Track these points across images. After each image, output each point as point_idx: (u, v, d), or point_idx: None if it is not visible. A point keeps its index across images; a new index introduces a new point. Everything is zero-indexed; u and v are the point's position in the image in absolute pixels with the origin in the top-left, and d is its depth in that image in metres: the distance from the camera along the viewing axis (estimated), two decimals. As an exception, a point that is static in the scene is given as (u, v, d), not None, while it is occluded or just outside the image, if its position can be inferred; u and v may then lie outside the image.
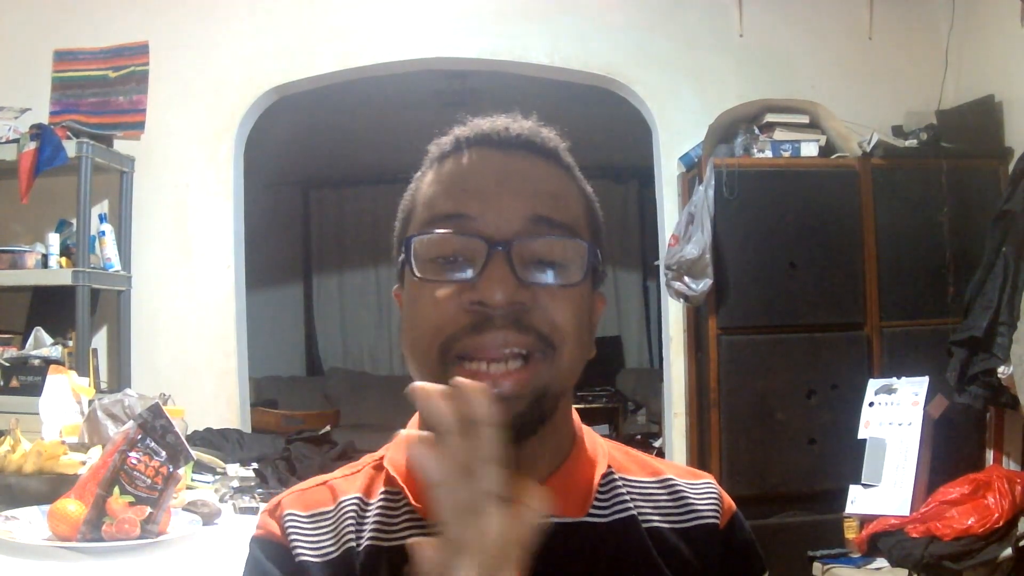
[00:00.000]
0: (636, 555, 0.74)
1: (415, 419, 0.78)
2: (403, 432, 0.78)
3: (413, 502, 0.73)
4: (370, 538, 0.74)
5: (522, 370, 0.68)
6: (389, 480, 0.77)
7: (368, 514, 0.75)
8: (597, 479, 0.77)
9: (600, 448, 0.80)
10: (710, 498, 0.81)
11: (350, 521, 0.75)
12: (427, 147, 0.79)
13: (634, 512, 0.76)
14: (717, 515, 0.80)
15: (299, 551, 0.74)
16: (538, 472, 0.74)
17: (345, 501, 0.77)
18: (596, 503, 0.76)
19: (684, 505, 0.79)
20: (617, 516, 0.76)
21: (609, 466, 0.79)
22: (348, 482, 0.79)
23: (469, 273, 0.69)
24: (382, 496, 0.76)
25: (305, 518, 0.76)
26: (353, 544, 0.74)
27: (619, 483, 0.78)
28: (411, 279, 0.72)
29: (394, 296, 0.79)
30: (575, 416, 0.80)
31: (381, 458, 0.80)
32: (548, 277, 0.70)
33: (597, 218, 0.78)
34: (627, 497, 0.77)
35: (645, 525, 0.76)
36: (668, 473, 0.82)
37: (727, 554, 0.78)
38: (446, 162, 0.75)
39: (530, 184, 0.72)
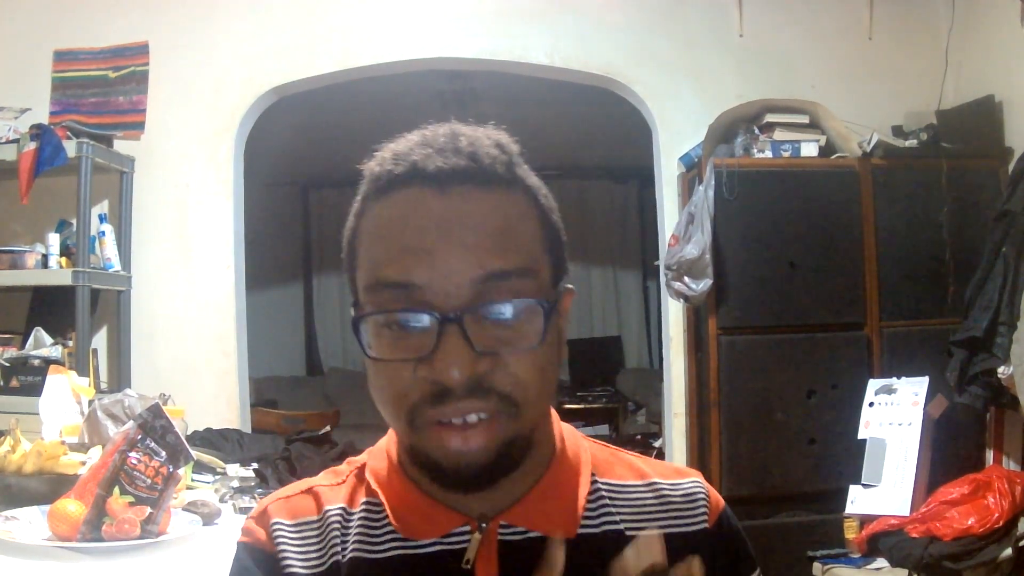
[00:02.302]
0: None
1: (390, 438, 0.78)
2: (382, 441, 0.79)
3: (392, 520, 0.74)
4: (354, 550, 0.74)
5: (486, 427, 0.67)
6: (370, 491, 0.76)
7: (351, 525, 0.75)
8: (583, 494, 0.75)
9: (583, 453, 0.79)
10: (698, 499, 0.79)
11: (335, 532, 0.75)
12: (365, 162, 0.73)
13: (620, 527, 0.75)
14: (706, 516, 0.78)
15: (286, 562, 0.74)
16: (515, 492, 0.73)
17: (330, 511, 0.76)
18: (583, 519, 0.75)
19: (672, 510, 0.78)
20: (604, 529, 0.75)
21: (593, 475, 0.78)
22: (333, 491, 0.78)
23: (423, 346, 0.65)
24: (363, 507, 0.76)
25: (291, 527, 0.75)
26: (339, 556, 0.74)
27: (604, 493, 0.77)
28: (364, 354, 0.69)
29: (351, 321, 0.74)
30: (554, 423, 0.78)
31: (363, 466, 0.79)
32: (505, 342, 0.66)
33: (552, 224, 0.72)
34: (613, 509, 0.76)
35: (630, 535, 0.73)
36: (654, 476, 0.80)
37: (718, 555, 0.77)
38: (384, 203, 0.69)
39: (476, 233, 0.66)
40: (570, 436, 0.79)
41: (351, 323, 0.68)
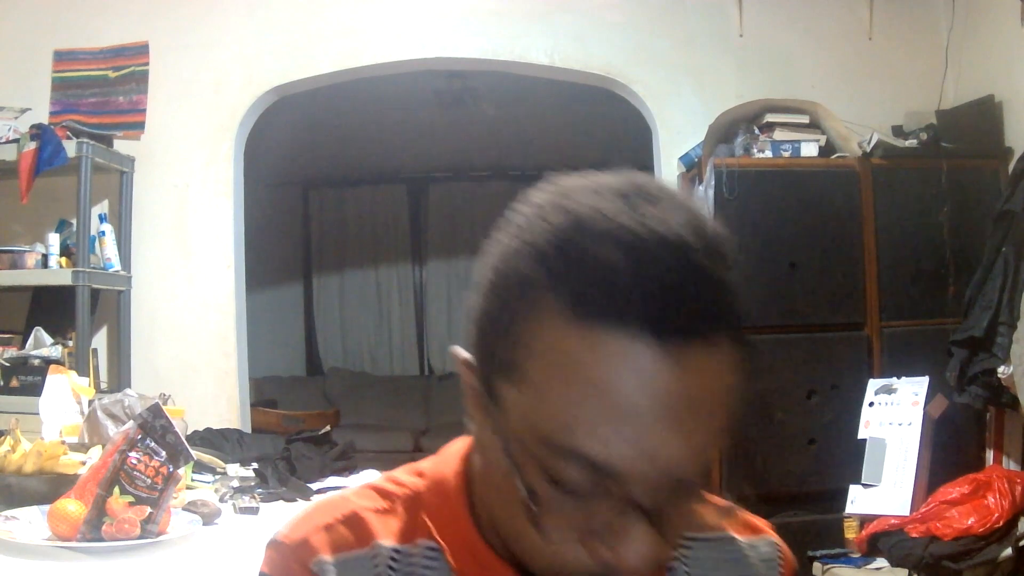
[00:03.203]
0: None
1: (463, 461, 0.67)
2: (442, 471, 0.67)
3: (455, 568, 0.63)
4: None
5: None
6: (426, 531, 0.65)
7: (406, 572, 0.64)
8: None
9: None
10: (771, 562, 0.73)
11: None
12: (540, 226, 0.55)
13: None
14: None
15: None
16: None
17: (382, 549, 0.64)
18: None
19: (743, 570, 0.71)
20: None
21: None
22: (382, 522, 0.65)
23: (604, 523, 0.53)
24: (422, 551, 0.64)
25: (335, 566, 0.63)
26: None
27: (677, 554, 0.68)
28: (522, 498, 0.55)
29: (457, 363, 0.61)
30: None
31: (415, 493, 0.67)
32: (686, 513, 0.56)
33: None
34: (684, 567, 0.69)
35: None
36: (729, 529, 0.72)
37: None
38: (584, 341, 0.51)
39: (705, 414, 0.53)
40: None
41: (525, 491, 0.54)
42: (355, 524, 0.65)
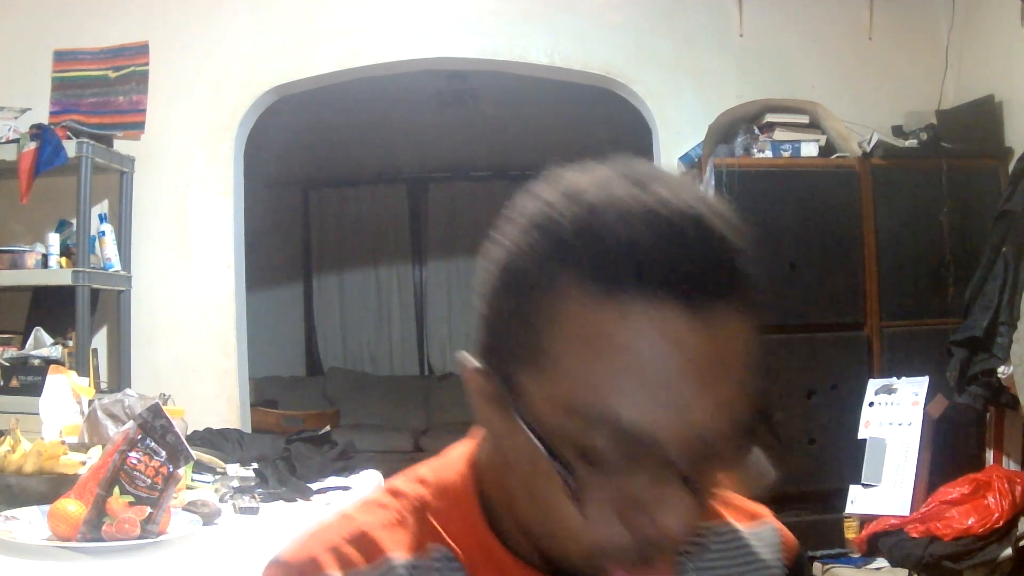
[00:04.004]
0: None
1: (470, 462, 0.66)
2: (447, 476, 0.66)
3: (472, 573, 0.61)
4: None
5: (669, 565, 0.58)
6: (437, 538, 0.63)
7: None
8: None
9: None
10: (773, 544, 0.72)
11: None
12: (551, 217, 0.55)
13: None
14: (783, 560, 0.72)
15: None
16: None
17: (395, 564, 0.62)
18: None
19: (747, 559, 0.71)
20: None
21: None
22: (390, 535, 0.63)
23: (641, 492, 0.53)
24: (435, 560, 0.62)
25: None
26: None
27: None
28: (553, 477, 0.54)
29: (463, 371, 0.60)
30: None
31: (420, 501, 0.65)
32: (719, 479, 0.57)
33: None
34: (689, 562, 0.68)
35: None
36: (727, 515, 0.72)
37: None
38: (611, 315, 0.52)
39: (737, 378, 0.54)
40: None
41: (561, 468, 0.53)
42: (362, 542, 0.62)
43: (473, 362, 0.59)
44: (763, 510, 0.75)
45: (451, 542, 0.62)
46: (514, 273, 0.56)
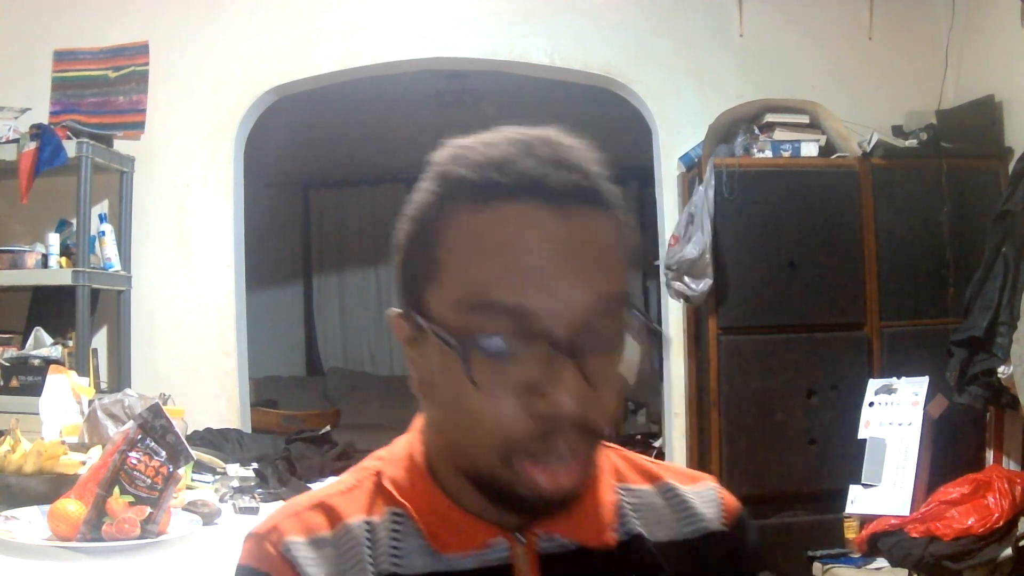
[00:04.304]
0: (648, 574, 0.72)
1: (415, 433, 0.74)
2: (398, 448, 0.75)
3: (424, 533, 0.68)
4: (387, 566, 0.68)
5: (579, 462, 0.65)
6: (392, 501, 0.71)
7: (379, 539, 0.69)
8: (611, 501, 0.73)
9: (605, 461, 0.76)
10: (712, 502, 0.78)
11: (363, 549, 0.69)
12: (440, 162, 0.67)
13: (641, 530, 0.74)
14: (722, 519, 0.77)
15: None
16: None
17: (352, 525, 0.70)
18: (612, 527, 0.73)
19: (687, 513, 0.76)
20: (627, 536, 0.73)
21: (615, 482, 0.76)
22: (347, 501, 0.72)
23: (533, 377, 0.61)
24: (389, 517, 0.70)
25: (307, 545, 0.69)
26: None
27: (624, 499, 0.75)
28: (458, 377, 0.62)
29: (391, 322, 0.69)
30: None
31: (377, 472, 0.73)
32: (610, 375, 0.64)
33: (635, 243, 0.69)
34: (633, 514, 0.74)
35: (652, 539, 0.73)
36: (668, 478, 0.78)
37: (735, 555, 0.77)
38: (488, 217, 0.62)
39: (593, 257, 0.63)
40: None
41: (460, 346, 0.61)
42: (322, 508, 0.71)
43: (395, 310, 0.68)
44: (707, 476, 0.81)
45: (404, 501, 0.70)
46: (413, 215, 0.67)
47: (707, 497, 0.78)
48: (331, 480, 0.78)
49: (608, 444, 0.78)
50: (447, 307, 0.63)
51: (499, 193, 0.62)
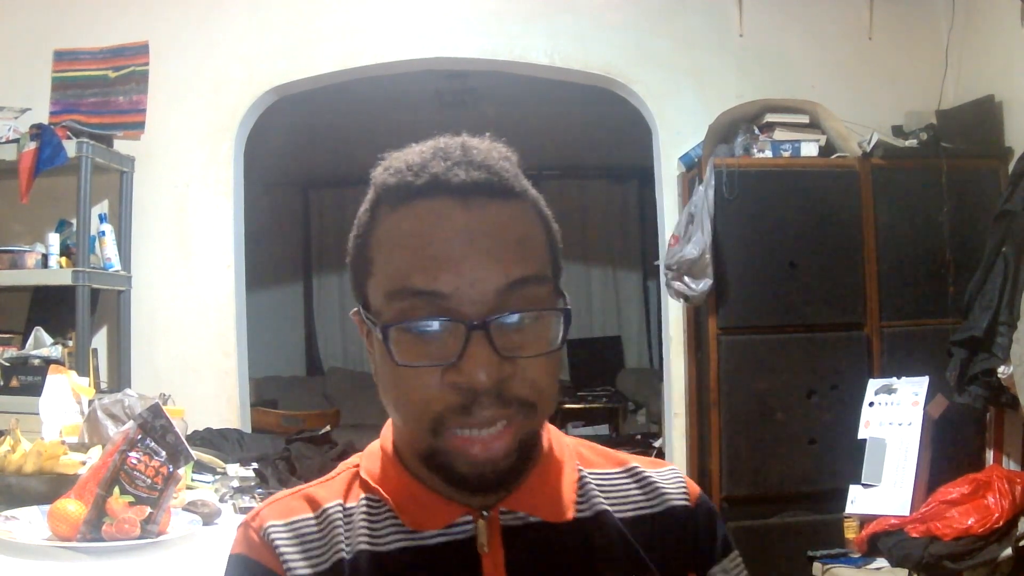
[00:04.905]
0: (616, 549, 0.77)
1: (387, 428, 0.81)
2: (373, 444, 0.82)
3: (396, 513, 0.75)
4: (360, 543, 0.75)
5: (507, 431, 0.70)
6: (367, 487, 0.78)
7: (353, 520, 0.76)
8: (572, 481, 0.79)
9: (567, 448, 0.83)
10: (676, 482, 0.84)
11: (337, 529, 0.76)
12: (374, 173, 0.76)
13: (607, 507, 0.79)
14: (686, 496, 0.83)
15: (287, 565, 0.74)
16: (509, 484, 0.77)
17: (329, 509, 0.78)
18: (576, 505, 0.78)
19: (653, 491, 0.82)
20: (592, 512, 0.78)
21: (578, 465, 0.82)
22: (326, 488, 0.80)
23: (448, 353, 0.68)
24: (363, 503, 0.77)
25: (285, 526, 0.76)
26: (343, 553, 0.75)
27: (589, 480, 0.81)
28: (389, 359, 0.70)
29: (353, 318, 0.77)
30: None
31: (356, 466, 0.81)
32: (526, 347, 0.70)
33: (553, 233, 0.77)
34: (597, 492, 0.80)
35: (618, 515, 0.79)
36: (632, 462, 0.85)
37: (700, 532, 0.81)
38: (404, 214, 0.71)
39: (498, 242, 0.70)
40: (554, 432, 0.84)
41: (380, 330, 0.70)
42: (303, 496, 0.79)
43: (355, 309, 0.77)
44: (670, 464, 0.88)
45: (377, 487, 0.77)
46: (356, 222, 0.76)
47: (670, 478, 0.84)
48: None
49: (576, 437, 0.87)
50: (380, 298, 0.71)
51: (414, 193, 0.71)
